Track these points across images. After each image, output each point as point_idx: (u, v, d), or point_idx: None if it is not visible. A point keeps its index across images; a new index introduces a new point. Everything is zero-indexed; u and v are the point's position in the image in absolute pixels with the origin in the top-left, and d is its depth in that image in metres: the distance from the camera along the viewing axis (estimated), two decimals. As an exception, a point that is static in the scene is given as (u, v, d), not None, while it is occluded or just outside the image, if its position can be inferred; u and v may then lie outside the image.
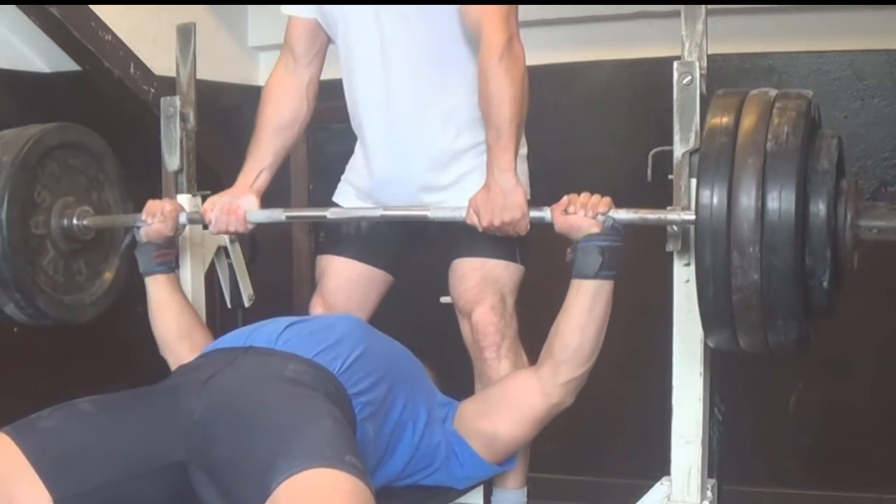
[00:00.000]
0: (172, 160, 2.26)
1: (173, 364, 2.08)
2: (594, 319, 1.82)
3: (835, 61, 2.86)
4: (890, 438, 2.77)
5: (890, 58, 2.81)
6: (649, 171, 1.87)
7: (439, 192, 2.12)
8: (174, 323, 2.09)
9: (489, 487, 2.14)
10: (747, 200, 1.51)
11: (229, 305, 2.50)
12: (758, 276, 1.51)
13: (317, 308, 2.29)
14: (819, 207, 1.55)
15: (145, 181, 2.41)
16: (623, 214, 1.81)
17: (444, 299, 2.23)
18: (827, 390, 2.87)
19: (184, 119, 2.26)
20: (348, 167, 2.29)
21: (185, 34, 2.27)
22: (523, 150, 2.12)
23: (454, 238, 2.11)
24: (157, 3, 2.87)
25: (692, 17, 1.82)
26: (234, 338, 1.91)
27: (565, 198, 1.83)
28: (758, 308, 1.53)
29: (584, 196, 1.82)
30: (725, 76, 2.89)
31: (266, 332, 1.85)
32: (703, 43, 1.81)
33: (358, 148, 2.25)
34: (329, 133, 2.35)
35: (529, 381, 1.90)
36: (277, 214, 2.12)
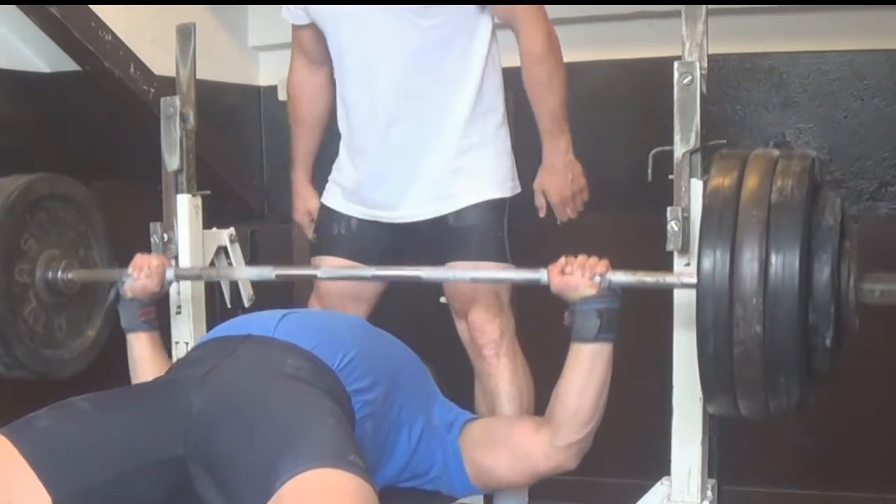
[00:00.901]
0: (172, 160, 2.25)
1: None
2: (593, 382, 1.80)
3: (835, 61, 2.86)
4: (890, 438, 2.77)
5: (890, 58, 2.81)
6: (649, 171, 1.87)
7: (428, 189, 2.13)
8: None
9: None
10: (750, 264, 1.48)
11: (229, 305, 2.50)
12: (760, 329, 1.48)
13: (314, 308, 2.31)
14: (823, 265, 1.52)
15: (145, 181, 2.41)
16: (621, 277, 1.77)
17: (444, 299, 2.24)
18: (827, 390, 2.86)
19: (184, 119, 2.26)
20: (334, 167, 2.32)
21: (185, 34, 2.27)
22: (507, 144, 2.17)
23: (446, 242, 2.12)
24: (157, 3, 2.87)
25: (692, 17, 1.82)
26: (230, 326, 1.91)
27: (562, 259, 1.80)
28: (760, 364, 1.50)
29: (582, 258, 1.79)
30: (725, 76, 2.90)
31: (264, 321, 1.84)
32: (704, 43, 1.81)
33: (342, 148, 2.28)
34: (329, 133, 2.36)
35: (534, 435, 1.87)
36: (267, 273, 2.07)
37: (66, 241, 2.21)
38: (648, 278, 1.77)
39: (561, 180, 2.15)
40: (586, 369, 1.80)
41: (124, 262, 2.11)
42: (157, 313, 2.11)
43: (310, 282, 2.37)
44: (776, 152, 1.62)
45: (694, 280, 1.61)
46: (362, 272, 2.09)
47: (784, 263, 1.47)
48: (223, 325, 1.94)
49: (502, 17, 2.11)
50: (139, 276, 2.05)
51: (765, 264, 1.47)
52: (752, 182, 1.55)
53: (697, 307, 1.54)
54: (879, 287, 1.58)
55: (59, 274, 2.15)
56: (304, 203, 2.42)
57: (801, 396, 1.56)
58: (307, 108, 2.38)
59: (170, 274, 2.10)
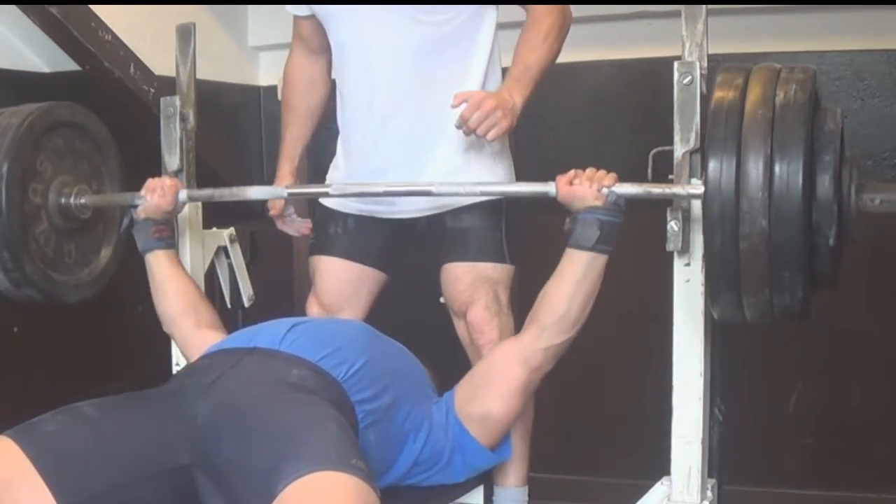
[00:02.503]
0: (172, 160, 2.25)
1: (179, 341, 2.10)
2: (583, 290, 1.84)
3: (835, 61, 2.86)
4: (890, 438, 2.77)
5: (890, 58, 2.81)
6: (649, 171, 1.87)
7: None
8: (178, 297, 2.08)
9: (490, 487, 2.14)
10: (755, 165, 1.52)
11: (229, 305, 2.50)
12: (766, 223, 1.51)
13: (312, 308, 2.32)
14: (826, 166, 1.56)
15: (145, 181, 2.40)
16: (628, 188, 1.81)
17: (444, 299, 2.24)
18: (827, 390, 2.87)
19: (184, 119, 2.26)
20: (331, 167, 2.32)
21: (185, 34, 2.27)
22: (506, 145, 2.16)
23: (443, 242, 2.12)
24: (157, 3, 2.87)
25: (692, 17, 1.82)
26: (237, 338, 1.91)
27: (572, 171, 1.85)
28: (765, 257, 1.53)
29: (590, 170, 1.84)
30: (725, 76, 2.89)
31: (270, 333, 1.84)
32: (704, 43, 1.81)
33: (339, 144, 2.28)
34: (329, 133, 2.36)
35: (509, 351, 1.91)
36: (280, 192, 2.11)
37: (80, 171, 2.22)
38: (655, 189, 1.80)
39: (492, 97, 1.97)
40: (579, 276, 1.83)
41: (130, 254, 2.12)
42: (171, 232, 2.13)
43: (310, 284, 2.37)
44: (778, 65, 1.67)
45: (701, 191, 1.65)
46: (373, 188, 2.08)
47: (788, 163, 1.51)
48: (230, 338, 1.94)
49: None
50: (152, 196, 2.08)
51: (770, 165, 1.51)
52: (756, 88, 1.60)
53: (704, 206, 1.58)
54: (880, 195, 1.62)
55: (72, 199, 2.16)
56: (279, 185, 2.36)
57: (804, 297, 1.58)
58: (301, 97, 2.37)
59: (182, 195, 2.13)
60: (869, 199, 1.62)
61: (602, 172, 1.83)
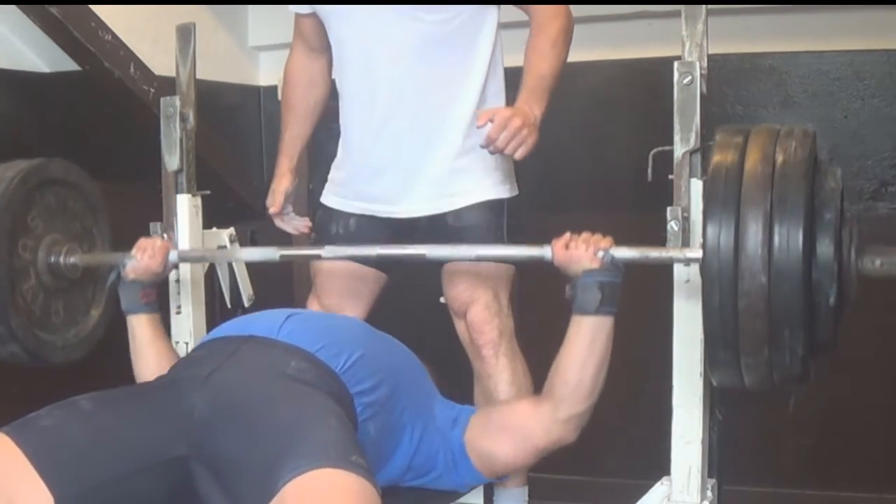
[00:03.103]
0: (172, 160, 2.25)
1: None
2: (594, 356, 1.81)
3: (835, 61, 2.86)
4: (889, 438, 2.77)
5: (890, 58, 2.81)
6: (649, 171, 1.87)
7: (427, 186, 2.13)
8: (156, 363, 2.01)
9: (490, 487, 2.14)
10: (755, 230, 1.49)
11: (229, 305, 2.50)
12: (765, 280, 1.49)
13: (313, 307, 2.31)
14: (826, 226, 1.54)
15: (145, 181, 2.41)
16: (625, 252, 1.78)
17: (444, 299, 2.24)
18: (827, 390, 2.87)
19: (183, 119, 2.26)
20: (333, 166, 2.32)
21: (185, 34, 2.27)
22: None
23: (444, 241, 2.12)
24: (157, 3, 2.87)
25: (692, 17, 1.82)
26: (233, 326, 1.91)
27: (567, 234, 1.82)
28: (764, 316, 1.50)
29: (586, 234, 1.81)
30: (725, 76, 2.90)
31: (267, 322, 1.84)
32: (704, 43, 1.81)
33: (340, 143, 2.28)
34: (329, 133, 2.36)
35: (532, 413, 1.87)
36: (271, 254, 2.07)
37: (71, 231, 2.21)
38: (652, 253, 1.78)
39: (518, 114, 1.94)
40: (587, 342, 1.80)
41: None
42: (157, 297, 2.11)
43: (310, 284, 2.37)
44: (777, 126, 1.64)
45: (697, 255, 1.64)
46: (366, 251, 2.07)
47: (788, 222, 1.48)
48: (226, 325, 1.94)
49: (521, 6, 2.11)
50: (142, 256, 2.06)
51: (770, 224, 1.49)
52: (755, 148, 1.57)
53: (703, 271, 1.56)
54: (880, 258, 1.60)
55: (62, 258, 2.15)
56: (279, 183, 2.36)
57: (803, 357, 1.56)
58: (301, 95, 2.36)
59: (173, 256, 2.11)
60: (869, 261, 1.59)
61: (598, 236, 1.80)
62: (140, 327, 2.06)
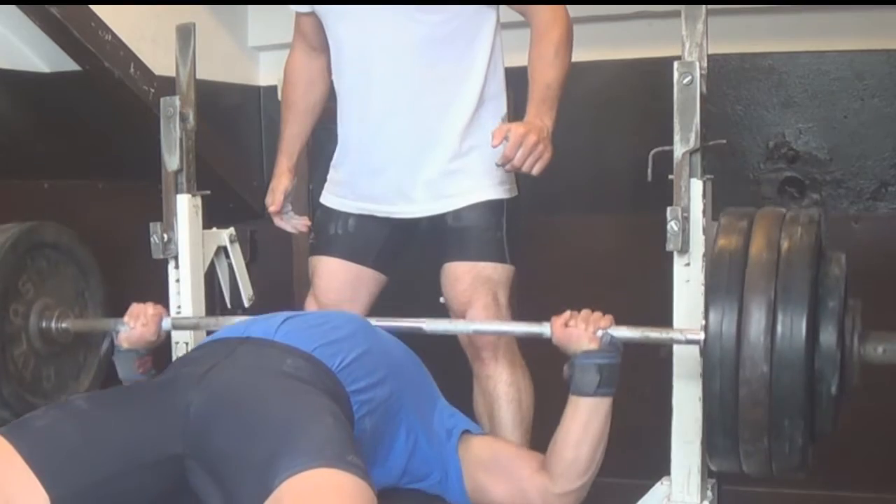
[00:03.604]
0: (172, 160, 2.25)
1: None
2: (590, 435, 1.81)
3: (835, 61, 2.86)
4: (889, 439, 2.77)
5: (890, 58, 2.81)
6: (649, 171, 1.87)
7: (427, 186, 2.13)
8: None
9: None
10: (758, 320, 1.49)
11: (229, 305, 2.50)
12: (767, 369, 1.49)
13: (311, 308, 2.33)
14: (830, 316, 1.54)
15: (145, 181, 2.41)
16: (624, 332, 1.78)
17: (444, 300, 2.24)
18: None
19: (183, 119, 2.25)
20: (332, 166, 2.32)
21: (185, 34, 2.27)
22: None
23: (444, 242, 2.12)
24: (157, 3, 2.87)
25: (692, 17, 1.82)
26: (231, 330, 1.91)
27: (567, 312, 1.82)
28: (765, 404, 1.50)
29: (585, 312, 1.81)
30: (725, 76, 2.90)
31: (264, 325, 1.84)
32: (704, 43, 1.81)
33: (339, 144, 2.28)
34: (329, 133, 2.35)
35: (535, 477, 1.86)
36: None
37: (63, 295, 2.22)
38: (652, 334, 1.77)
39: (532, 130, 1.94)
40: (583, 422, 1.81)
41: (120, 260, 2.10)
42: (154, 363, 2.06)
43: (309, 281, 2.37)
44: (783, 210, 1.64)
45: (698, 336, 1.63)
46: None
47: (792, 312, 1.48)
48: (223, 329, 1.94)
49: (519, 8, 2.10)
50: (135, 325, 2.04)
51: (773, 314, 1.48)
52: (760, 233, 1.56)
53: (704, 354, 1.55)
54: (882, 345, 1.60)
55: (53, 323, 2.15)
56: (279, 181, 2.36)
57: (803, 447, 1.56)
58: (300, 94, 2.36)
59: (166, 323, 2.08)
60: (872, 349, 1.59)
61: (598, 315, 1.80)
62: None
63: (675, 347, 1.82)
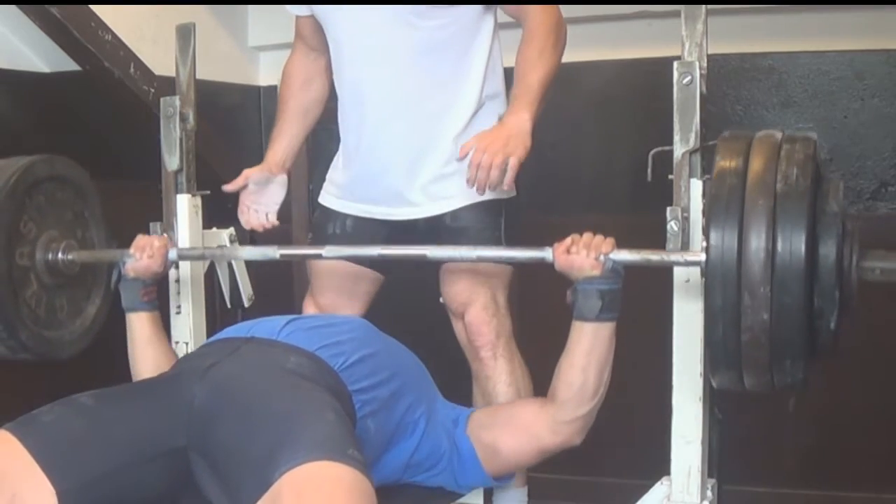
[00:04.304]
0: (172, 160, 2.26)
1: None
2: (595, 360, 1.82)
3: (835, 61, 2.86)
4: (889, 438, 2.77)
5: (890, 58, 2.81)
6: (649, 171, 1.87)
7: (424, 188, 2.13)
8: (153, 363, 2.02)
9: (490, 487, 2.14)
10: (758, 243, 1.50)
11: (229, 305, 2.50)
12: (768, 316, 1.50)
13: (309, 308, 2.33)
14: (829, 249, 1.55)
15: (145, 181, 2.41)
16: (626, 255, 1.79)
17: (443, 299, 2.24)
18: (827, 390, 2.87)
19: (183, 119, 2.26)
20: (331, 167, 2.31)
21: (185, 34, 2.27)
22: None
23: (441, 241, 2.12)
24: (157, 3, 2.87)
25: (692, 17, 1.82)
26: (235, 330, 1.92)
27: (569, 238, 1.82)
28: (766, 347, 1.52)
29: (587, 236, 1.81)
30: (725, 76, 2.90)
31: (268, 326, 1.86)
32: (703, 43, 1.81)
33: (340, 146, 2.27)
34: (329, 133, 2.35)
35: (538, 414, 1.89)
36: (271, 252, 2.07)
37: (64, 222, 2.21)
38: (653, 256, 1.78)
39: (500, 135, 1.94)
40: (587, 347, 1.82)
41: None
42: (157, 294, 2.11)
43: (308, 281, 2.37)
44: (779, 135, 1.64)
45: (697, 258, 1.65)
46: (367, 251, 2.07)
47: (791, 253, 1.49)
48: (227, 329, 1.95)
49: (511, 12, 2.10)
50: (142, 256, 2.06)
51: (772, 255, 1.49)
52: (757, 164, 1.57)
53: (705, 289, 1.56)
54: (880, 265, 1.61)
55: (60, 255, 2.15)
56: (251, 168, 2.30)
57: (805, 375, 1.58)
58: (293, 92, 2.34)
59: (172, 254, 2.11)
60: (870, 270, 1.60)
61: (599, 238, 1.80)
62: (140, 324, 2.06)
63: (675, 334, 1.83)
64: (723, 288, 1.52)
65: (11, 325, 2.05)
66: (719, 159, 1.61)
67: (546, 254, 1.84)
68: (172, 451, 1.61)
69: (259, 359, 1.75)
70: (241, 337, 1.84)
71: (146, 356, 2.04)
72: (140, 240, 2.10)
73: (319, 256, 2.12)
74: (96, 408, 1.64)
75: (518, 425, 1.91)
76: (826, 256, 1.55)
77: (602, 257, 1.78)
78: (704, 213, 1.76)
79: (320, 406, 1.61)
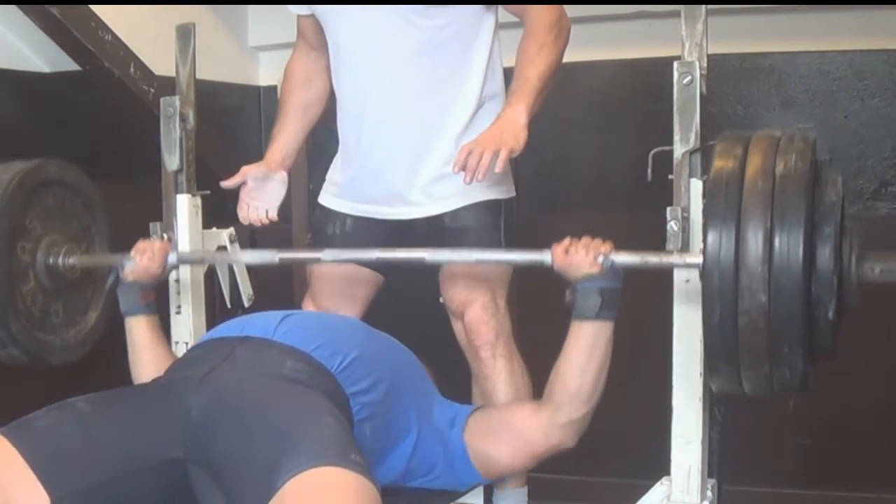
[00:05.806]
0: (172, 160, 2.26)
1: None
2: (594, 361, 1.82)
3: (835, 61, 2.86)
4: (890, 438, 2.77)
5: (890, 58, 2.81)
6: (649, 171, 1.87)
7: (424, 188, 2.13)
8: (152, 367, 2.00)
9: (489, 487, 2.14)
10: (755, 240, 1.49)
11: (229, 305, 2.50)
12: (766, 299, 1.49)
13: (308, 308, 2.31)
14: (826, 240, 1.54)
15: (145, 181, 2.41)
16: (624, 257, 1.79)
17: (443, 299, 2.24)
18: (827, 390, 2.87)
19: (183, 119, 2.25)
20: (331, 167, 2.31)
21: (185, 34, 2.27)
22: None
23: (441, 242, 2.12)
24: (157, 3, 2.87)
25: (692, 17, 1.82)
26: (229, 327, 1.91)
27: (567, 239, 1.82)
28: (764, 333, 1.51)
29: (586, 238, 1.81)
30: (725, 76, 2.90)
31: (263, 323, 1.84)
32: (703, 43, 1.81)
33: (340, 146, 2.28)
34: (329, 133, 2.35)
35: (532, 417, 1.89)
36: (270, 257, 2.08)
37: (69, 232, 2.21)
38: (652, 258, 1.78)
39: (496, 131, 1.95)
40: (587, 347, 1.81)
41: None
42: (156, 298, 2.10)
43: (307, 282, 2.37)
44: (778, 133, 1.64)
45: (697, 260, 1.64)
46: (366, 254, 2.07)
47: (789, 239, 1.49)
48: (222, 326, 1.94)
49: (513, 10, 2.10)
50: (141, 258, 2.06)
51: (770, 241, 1.49)
52: (756, 160, 1.56)
53: (703, 277, 1.56)
54: (879, 265, 1.60)
55: (60, 259, 2.15)
56: (250, 165, 2.30)
57: (803, 370, 1.57)
58: (293, 90, 2.34)
59: (172, 258, 2.11)
60: (869, 269, 1.59)
61: (598, 241, 1.81)
62: (138, 329, 2.05)
63: (675, 335, 1.83)
64: (719, 290, 1.52)
65: (3, 314, 2.02)
66: (716, 159, 1.61)
67: (545, 257, 1.84)
68: (169, 462, 1.60)
69: (255, 365, 1.73)
70: (236, 337, 1.82)
71: (146, 361, 2.03)
72: (141, 244, 2.09)
73: (318, 260, 2.12)
74: (92, 415, 1.63)
75: (511, 433, 1.90)
76: (824, 257, 1.54)
77: (601, 258, 1.78)
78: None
79: (320, 412, 1.60)
